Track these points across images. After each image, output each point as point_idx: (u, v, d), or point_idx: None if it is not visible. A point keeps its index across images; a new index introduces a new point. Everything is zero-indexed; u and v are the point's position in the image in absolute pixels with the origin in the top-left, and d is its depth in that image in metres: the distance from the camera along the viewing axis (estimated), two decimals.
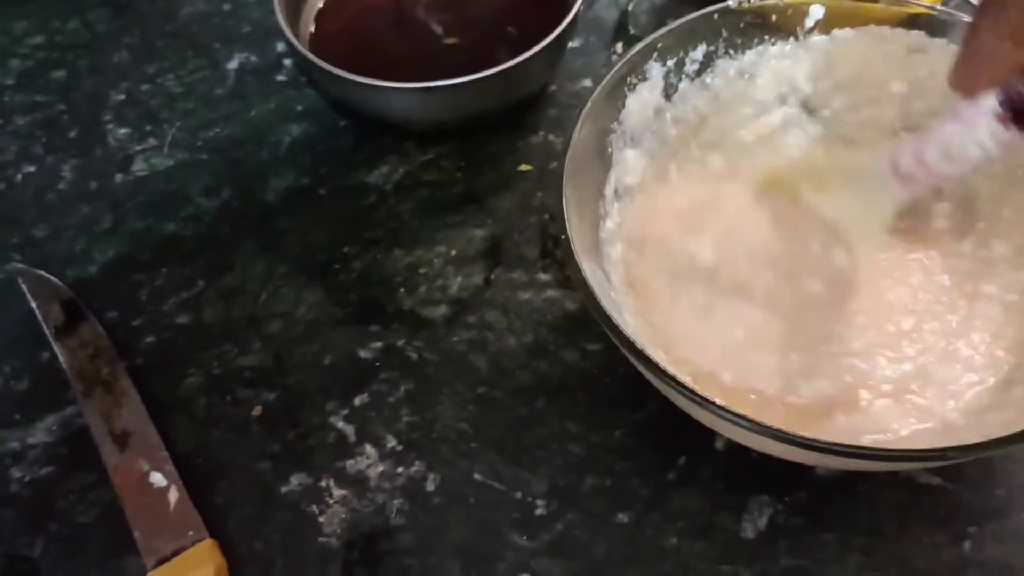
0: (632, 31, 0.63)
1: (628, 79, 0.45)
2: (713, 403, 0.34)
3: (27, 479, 0.47)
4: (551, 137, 0.58)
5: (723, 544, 0.43)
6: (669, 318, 0.45)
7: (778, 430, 0.34)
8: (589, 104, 0.43)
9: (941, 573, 0.42)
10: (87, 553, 0.44)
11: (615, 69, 0.44)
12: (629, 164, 0.46)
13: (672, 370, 0.36)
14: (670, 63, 0.47)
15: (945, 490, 0.44)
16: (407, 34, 0.59)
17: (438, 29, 0.59)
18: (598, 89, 0.43)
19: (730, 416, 0.34)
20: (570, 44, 0.58)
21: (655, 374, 0.35)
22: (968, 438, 0.33)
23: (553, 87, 0.60)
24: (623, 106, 0.45)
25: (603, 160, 0.45)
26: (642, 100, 0.46)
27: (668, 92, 0.47)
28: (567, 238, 0.39)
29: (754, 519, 0.44)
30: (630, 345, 0.36)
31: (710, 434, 0.46)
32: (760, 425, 0.34)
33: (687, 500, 0.45)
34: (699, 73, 0.48)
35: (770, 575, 0.42)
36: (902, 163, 0.39)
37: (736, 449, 0.45)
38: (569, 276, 0.51)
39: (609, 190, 0.45)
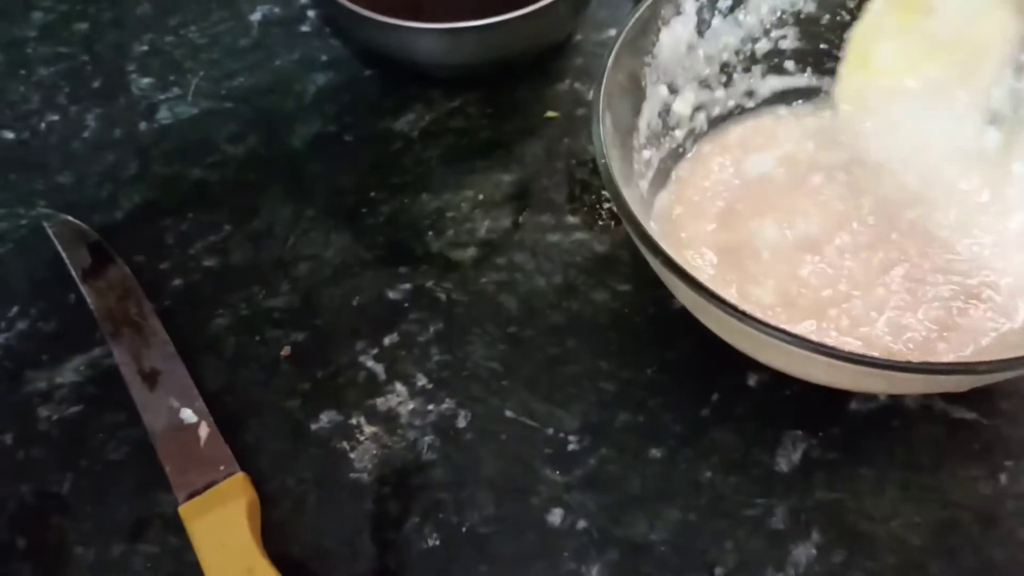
0: None
1: (662, 12, 0.45)
2: (758, 320, 0.34)
3: (55, 418, 0.47)
4: (577, 85, 0.58)
5: (757, 478, 0.43)
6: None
7: (824, 344, 0.33)
8: (623, 35, 0.42)
9: (978, 505, 0.42)
10: (119, 488, 0.44)
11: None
12: (663, 99, 0.46)
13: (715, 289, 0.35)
14: None
15: (980, 424, 0.44)
16: None
17: None
18: (632, 19, 0.43)
19: (778, 333, 0.34)
20: None
21: (697, 291, 0.35)
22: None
23: (578, 36, 0.60)
24: (657, 39, 0.45)
25: (637, 93, 0.45)
26: (675, 35, 0.46)
27: (701, 28, 0.47)
28: (604, 164, 0.39)
29: (788, 454, 0.44)
30: (671, 264, 0.36)
31: (743, 371, 0.46)
32: (804, 340, 0.34)
33: (721, 435, 0.44)
34: (732, 10, 0.48)
35: (806, 508, 0.42)
36: None
37: (769, 385, 0.45)
38: (598, 219, 0.51)
39: (643, 123, 0.45)
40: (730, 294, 0.42)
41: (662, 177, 0.47)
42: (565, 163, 0.54)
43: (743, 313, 0.34)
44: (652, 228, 0.40)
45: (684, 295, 0.38)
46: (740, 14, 0.48)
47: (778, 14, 0.49)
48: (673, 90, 0.47)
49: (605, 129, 0.40)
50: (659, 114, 0.46)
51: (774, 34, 0.49)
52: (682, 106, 0.47)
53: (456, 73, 0.57)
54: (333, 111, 0.57)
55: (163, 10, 0.63)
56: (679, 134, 0.48)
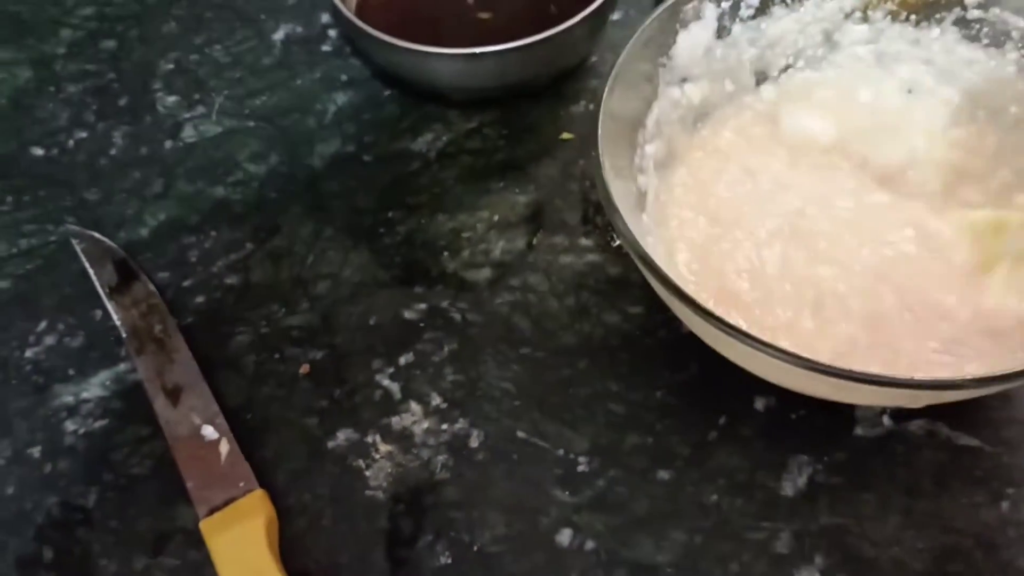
0: None
1: (681, 15, 0.45)
2: (746, 333, 0.35)
3: (81, 432, 0.48)
4: (592, 107, 0.58)
5: (763, 501, 0.44)
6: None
7: (820, 363, 0.34)
8: (638, 34, 0.43)
9: (980, 532, 0.43)
10: (141, 502, 0.46)
11: (668, 3, 0.44)
12: (675, 100, 0.48)
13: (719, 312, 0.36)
14: (725, 5, 0.47)
15: (983, 451, 0.45)
16: (448, 8, 0.60)
17: (479, 4, 0.60)
18: (648, 20, 0.44)
19: (777, 354, 0.35)
20: (611, 17, 0.59)
21: (693, 308, 0.36)
22: None
23: (594, 58, 0.61)
24: (674, 42, 0.46)
25: (649, 91, 0.46)
26: (693, 38, 0.47)
27: (720, 34, 0.48)
28: (596, 155, 0.40)
29: (793, 478, 0.45)
30: (665, 278, 0.37)
31: (750, 394, 0.46)
32: (803, 359, 0.35)
33: (727, 458, 0.45)
34: (754, 18, 0.48)
35: (810, 532, 0.43)
36: None
37: (776, 409, 0.46)
38: (610, 241, 0.52)
39: (651, 120, 0.46)
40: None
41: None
42: (579, 185, 0.55)
43: (734, 328, 0.35)
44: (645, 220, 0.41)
45: (685, 315, 0.39)
46: (763, 23, 0.49)
47: (802, 25, 0.50)
48: (685, 83, 0.48)
49: (604, 121, 0.41)
50: (668, 109, 0.48)
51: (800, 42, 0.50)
52: (694, 92, 0.48)
53: (474, 95, 0.58)
54: (352, 131, 0.58)
55: (188, 28, 0.65)
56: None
